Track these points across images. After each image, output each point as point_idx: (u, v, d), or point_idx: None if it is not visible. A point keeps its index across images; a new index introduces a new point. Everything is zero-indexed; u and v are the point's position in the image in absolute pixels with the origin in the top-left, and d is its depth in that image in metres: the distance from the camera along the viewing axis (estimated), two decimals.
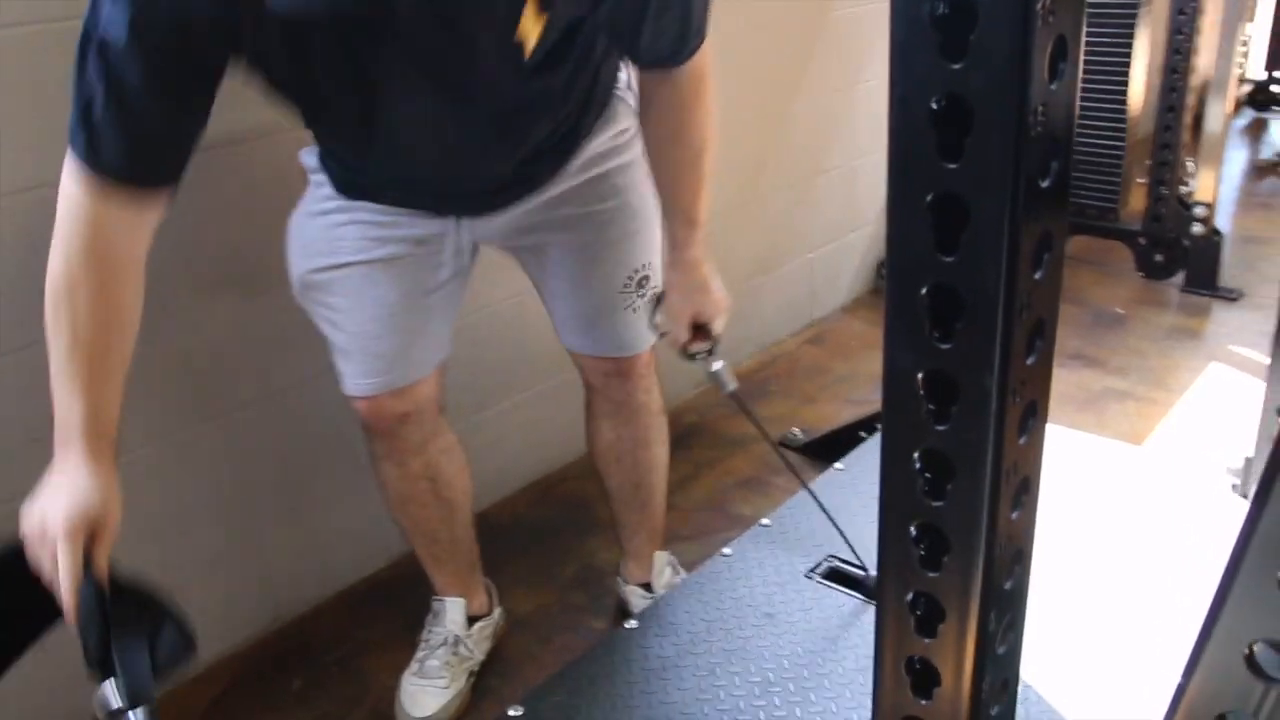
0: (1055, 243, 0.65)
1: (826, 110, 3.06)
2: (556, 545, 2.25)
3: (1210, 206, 3.30)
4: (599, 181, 1.61)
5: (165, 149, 1.19)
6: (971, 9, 0.58)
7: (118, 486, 1.20)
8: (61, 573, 1.11)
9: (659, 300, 1.67)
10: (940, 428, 0.68)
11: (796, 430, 2.62)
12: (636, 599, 1.99)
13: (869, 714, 0.85)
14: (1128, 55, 3.33)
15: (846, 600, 1.67)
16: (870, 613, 1.64)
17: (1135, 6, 3.29)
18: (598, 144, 1.59)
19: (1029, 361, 0.66)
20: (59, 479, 1.16)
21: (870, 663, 0.84)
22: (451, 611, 1.87)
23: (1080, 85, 0.66)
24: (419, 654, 1.87)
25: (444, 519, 1.81)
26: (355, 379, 1.61)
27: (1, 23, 1.50)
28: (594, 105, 1.56)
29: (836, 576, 1.73)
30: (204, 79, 1.18)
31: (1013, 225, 0.60)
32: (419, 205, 1.53)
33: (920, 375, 0.67)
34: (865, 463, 2.06)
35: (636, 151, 1.60)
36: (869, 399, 2.79)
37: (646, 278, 1.68)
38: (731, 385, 1.67)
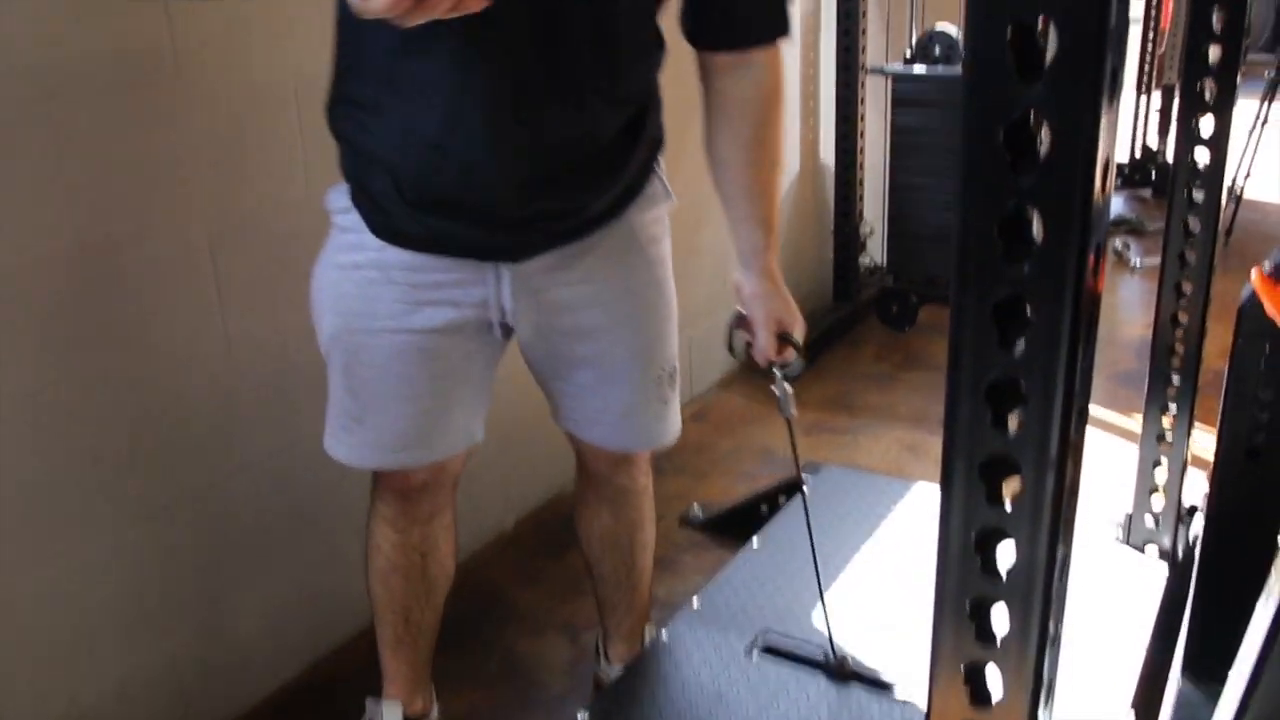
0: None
1: (695, 196, 3.15)
2: (477, 638, 2.22)
3: None
4: (645, 265, 1.57)
5: None
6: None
7: None
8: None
9: (739, 321, 1.67)
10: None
11: (696, 506, 2.67)
12: None
13: None
14: None
15: (790, 673, 1.71)
16: (821, 681, 1.68)
17: None
18: (644, 220, 1.55)
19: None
20: None
21: None
22: (388, 716, 1.81)
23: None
24: None
25: (423, 598, 1.74)
26: (362, 450, 1.55)
27: None
28: (642, 141, 1.46)
29: (776, 651, 1.77)
30: None
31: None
32: (456, 238, 1.40)
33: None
34: (779, 538, 2.12)
35: (669, 245, 1.62)
36: (758, 473, 2.87)
37: (675, 372, 1.68)
38: (792, 410, 1.66)
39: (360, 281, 1.45)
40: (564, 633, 2.22)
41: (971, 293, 0.69)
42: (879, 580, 1.96)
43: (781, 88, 1.48)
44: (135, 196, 1.70)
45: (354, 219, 1.43)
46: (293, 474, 2.03)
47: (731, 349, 1.70)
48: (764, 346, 1.63)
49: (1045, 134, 0.66)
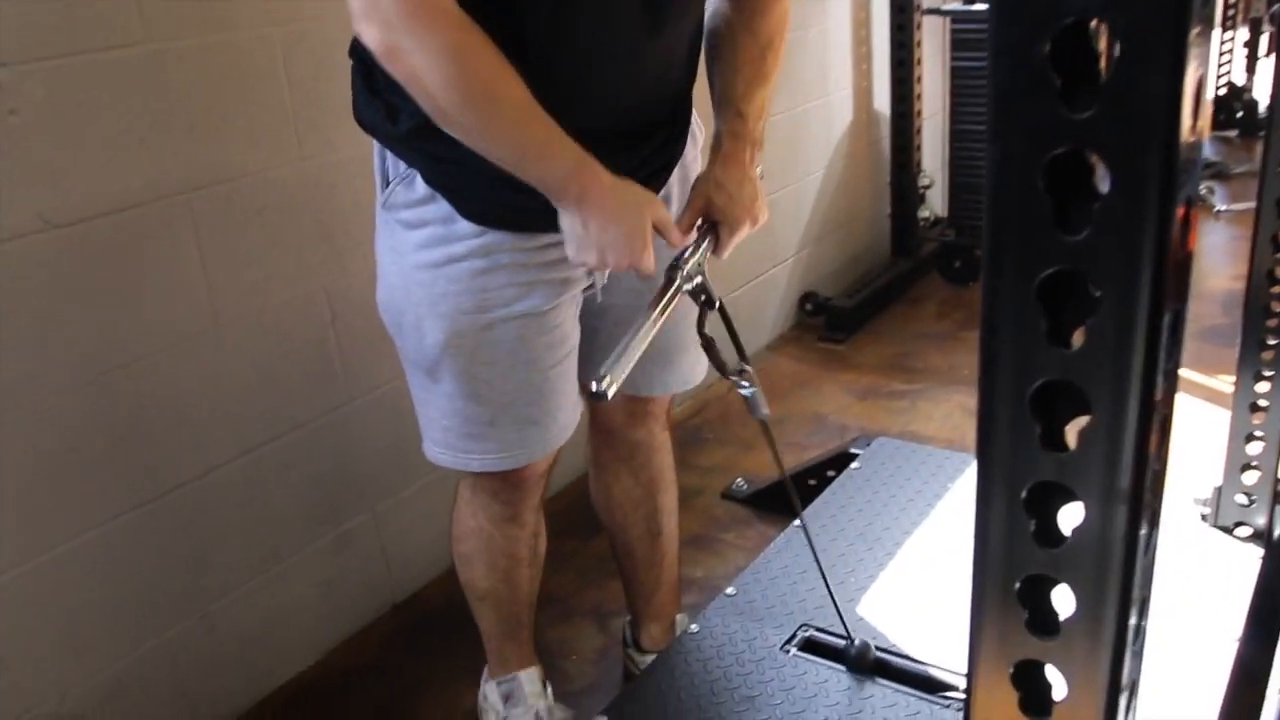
0: None
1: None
2: None
3: None
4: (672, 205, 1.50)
5: None
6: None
7: None
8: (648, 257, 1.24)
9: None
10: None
11: (741, 480, 2.50)
12: None
13: None
14: None
15: (829, 674, 1.54)
16: (855, 686, 1.52)
17: None
18: (694, 155, 1.49)
19: None
20: (600, 218, 1.20)
21: None
22: (528, 685, 1.72)
23: None
24: None
25: (535, 577, 1.69)
26: (498, 454, 1.44)
27: None
28: (693, 61, 1.41)
29: (815, 648, 1.60)
30: None
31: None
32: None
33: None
34: (825, 517, 1.94)
35: None
36: (808, 442, 2.69)
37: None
38: (764, 410, 1.46)
39: (463, 274, 1.31)
40: (592, 618, 2.08)
41: (1009, 269, 0.51)
42: (934, 567, 1.77)
43: None
44: (113, 167, 1.56)
45: (436, 209, 1.30)
46: (294, 460, 1.90)
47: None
48: (683, 225, 1.35)
49: (1108, 47, 0.48)
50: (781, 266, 3.30)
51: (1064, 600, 0.56)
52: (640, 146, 1.37)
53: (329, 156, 1.84)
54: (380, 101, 1.27)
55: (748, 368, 1.43)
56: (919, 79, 3.54)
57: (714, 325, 1.39)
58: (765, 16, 1.40)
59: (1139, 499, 0.54)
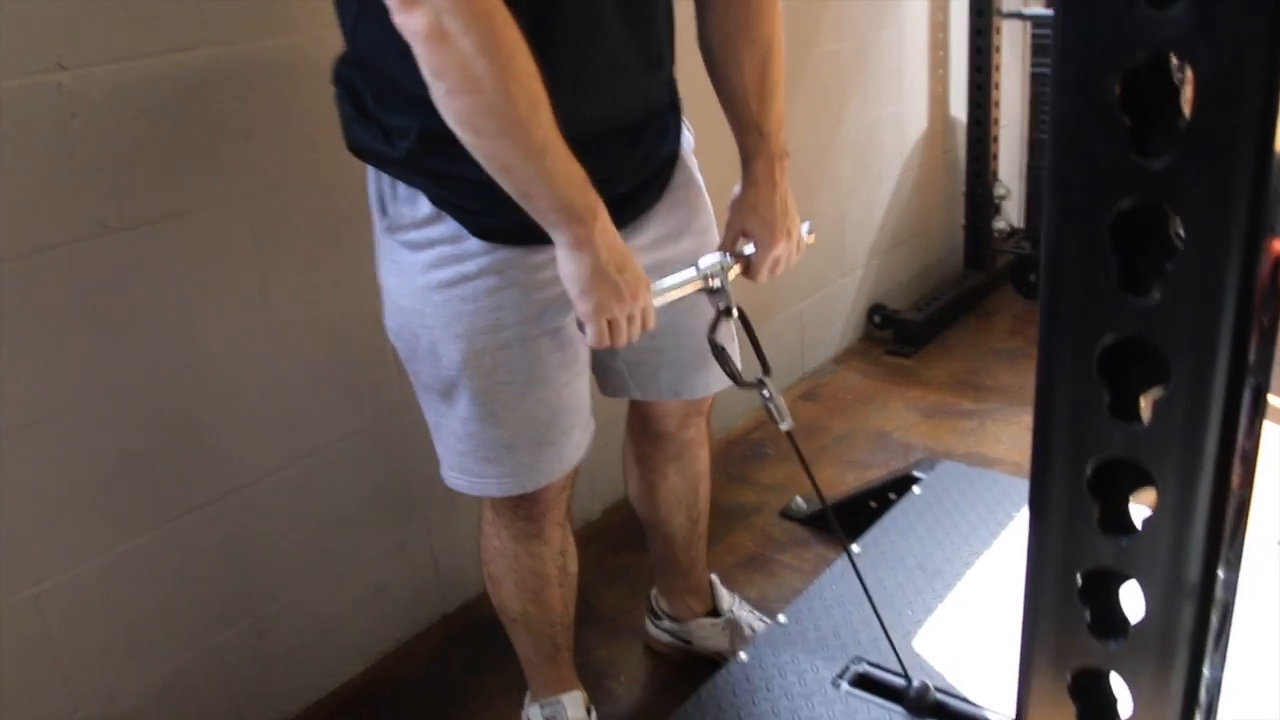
0: None
1: (810, 152, 2.91)
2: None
3: None
4: (701, 195, 1.50)
5: None
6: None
7: None
8: (646, 318, 1.24)
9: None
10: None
11: (800, 499, 2.44)
12: (709, 631, 1.91)
13: None
14: None
15: (883, 713, 1.49)
16: None
17: None
18: (688, 154, 1.47)
19: None
20: (608, 255, 1.17)
21: None
22: (572, 710, 1.69)
23: None
24: None
25: (570, 595, 1.66)
26: (515, 477, 1.42)
27: None
28: (670, 43, 1.38)
29: (869, 684, 1.55)
30: None
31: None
32: None
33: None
34: (883, 545, 1.88)
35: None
36: (871, 461, 2.63)
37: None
38: (788, 421, 1.43)
39: (476, 293, 1.29)
40: (641, 638, 2.03)
41: (1068, 334, 0.47)
42: (997, 602, 1.71)
43: None
44: (171, 171, 1.56)
45: (445, 228, 1.28)
46: (348, 465, 1.90)
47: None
48: (723, 247, 1.43)
49: (1188, 83, 0.44)
50: (850, 277, 3.23)
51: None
52: (633, 148, 1.34)
53: None
54: (374, 125, 1.25)
55: (766, 379, 1.41)
56: (997, 85, 3.44)
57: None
58: (760, 22, 1.36)
59: (1208, 592, 0.49)
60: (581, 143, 1.16)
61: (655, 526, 1.82)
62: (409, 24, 1.06)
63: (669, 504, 1.79)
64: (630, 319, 1.22)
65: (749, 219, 1.40)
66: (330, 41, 1.70)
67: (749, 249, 1.42)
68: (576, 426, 1.45)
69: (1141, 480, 0.50)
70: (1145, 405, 0.50)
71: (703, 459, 1.80)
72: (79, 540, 1.57)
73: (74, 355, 1.51)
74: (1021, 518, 1.92)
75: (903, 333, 3.27)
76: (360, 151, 1.31)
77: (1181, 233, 0.44)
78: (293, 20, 1.67)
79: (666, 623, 1.96)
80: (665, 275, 1.33)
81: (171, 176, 1.57)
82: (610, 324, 1.21)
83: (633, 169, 1.34)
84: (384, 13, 1.07)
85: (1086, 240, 0.47)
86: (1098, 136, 0.46)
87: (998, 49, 3.39)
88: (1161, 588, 0.48)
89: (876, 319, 3.32)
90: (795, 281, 3.00)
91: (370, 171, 1.32)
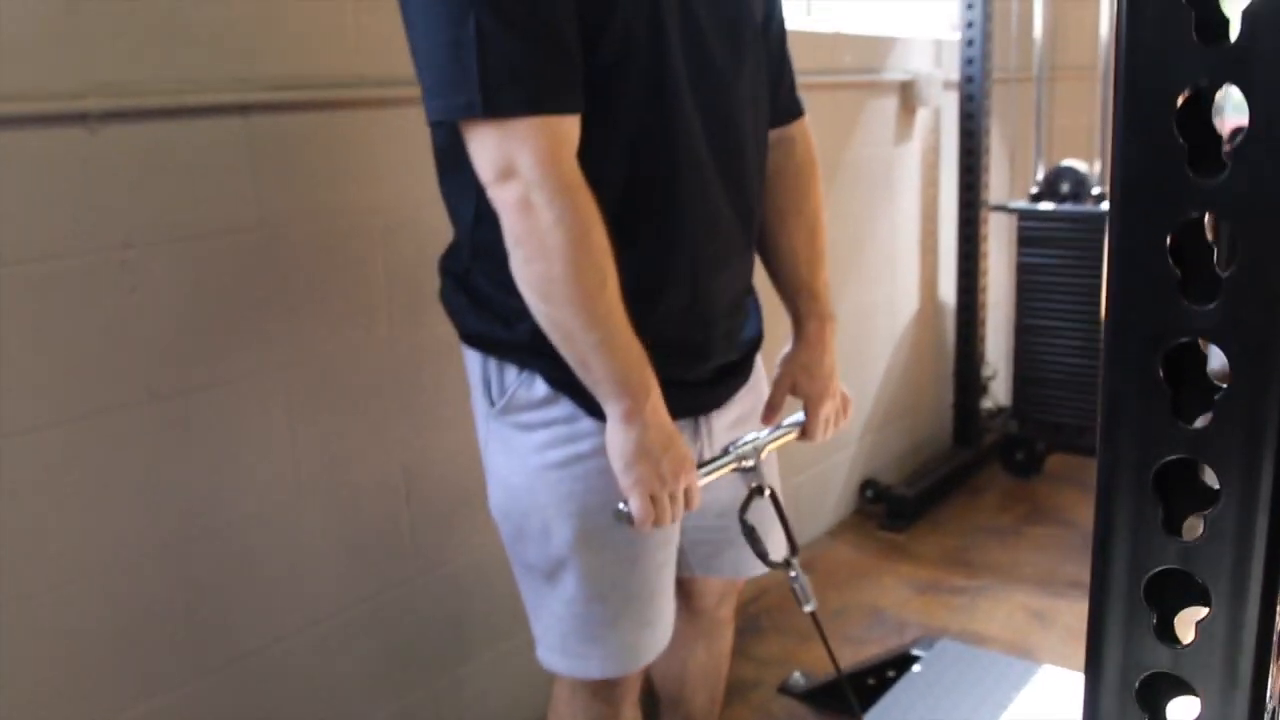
0: None
1: None
2: None
3: None
4: (763, 389, 1.56)
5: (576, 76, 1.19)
6: None
7: None
8: (690, 498, 1.29)
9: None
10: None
11: (798, 674, 2.46)
12: None
13: None
14: (1099, 275, 3.38)
15: None
16: None
17: (1102, 223, 3.35)
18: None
19: None
20: (656, 434, 1.24)
21: None
22: None
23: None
24: None
25: None
26: (617, 657, 1.43)
27: None
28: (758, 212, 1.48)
29: None
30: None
31: None
32: (681, 397, 1.34)
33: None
34: None
35: None
36: (866, 637, 2.65)
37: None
38: (811, 603, 1.46)
39: (589, 472, 1.34)
40: None
41: (1125, 458, 0.53)
42: None
43: (814, 156, 1.55)
44: (217, 343, 1.65)
45: (560, 409, 1.34)
46: (359, 633, 1.92)
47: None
48: (774, 403, 1.53)
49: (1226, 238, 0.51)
50: (844, 452, 3.31)
51: None
52: (733, 329, 1.43)
53: (417, 337, 1.92)
54: (489, 312, 1.33)
55: (794, 559, 1.47)
56: (985, 272, 3.61)
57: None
58: (808, 197, 1.52)
59: (1260, 695, 0.54)
60: (691, 323, 1.28)
61: (676, 704, 1.83)
62: (501, 194, 1.17)
63: (694, 682, 1.80)
64: (673, 498, 1.27)
65: (801, 376, 1.50)
66: (377, 226, 1.83)
67: (791, 419, 1.51)
68: (669, 608, 1.48)
69: (1193, 594, 0.55)
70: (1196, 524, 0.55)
71: (729, 638, 1.82)
72: (99, 699, 1.58)
73: (111, 518, 1.56)
74: (1020, 698, 1.96)
75: (895, 508, 3.33)
76: (474, 338, 1.38)
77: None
78: (343, 205, 1.79)
79: None
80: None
81: (218, 348, 1.65)
82: (654, 501, 1.26)
83: (735, 348, 1.44)
84: None
85: (1140, 374, 0.51)
86: (1149, 290, 0.52)
87: (985, 238, 3.58)
88: (1215, 690, 0.53)
89: (869, 493, 3.39)
90: (792, 457, 3.07)
91: (475, 359, 1.39)
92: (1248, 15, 0.48)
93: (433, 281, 1.88)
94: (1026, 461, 3.61)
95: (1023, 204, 3.50)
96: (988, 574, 3.00)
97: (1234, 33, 0.48)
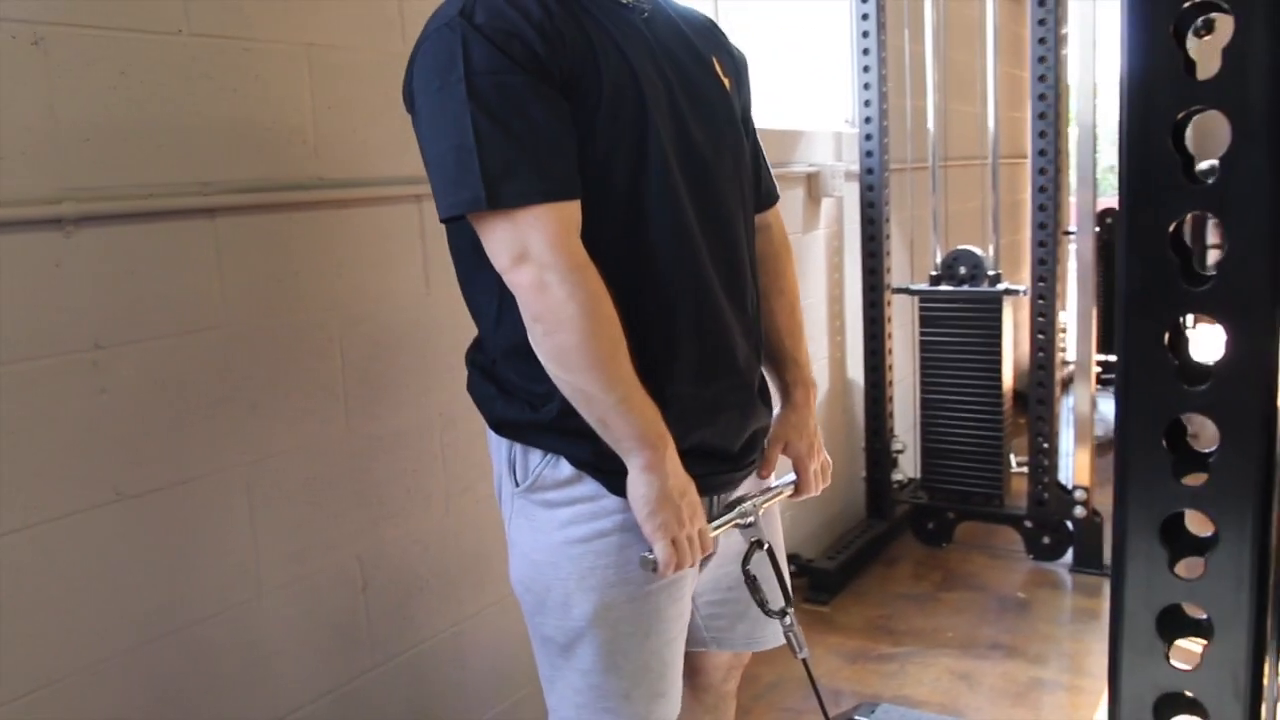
0: None
1: None
2: None
3: (1088, 489, 3.49)
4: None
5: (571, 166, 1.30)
6: None
7: None
8: (705, 541, 1.36)
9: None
10: None
11: None
12: None
13: None
14: (997, 351, 3.59)
15: None
16: None
17: (997, 303, 3.57)
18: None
19: None
20: (674, 481, 1.32)
21: None
22: None
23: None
24: None
25: None
26: None
27: None
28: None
29: None
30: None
31: None
32: (703, 472, 1.41)
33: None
34: None
35: None
36: (803, 707, 2.72)
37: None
38: (805, 651, 1.55)
39: (611, 548, 1.40)
40: None
41: (1136, 510, 0.63)
42: None
43: (787, 239, 1.69)
44: (181, 441, 1.66)
45: (584, 488, 1.40)
46: None
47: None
48: (769, 465, 1.62)
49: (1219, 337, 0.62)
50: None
51: None
52: (746, 417, 1.51)
53: (372, 429, 1.95)
54: (518, 399, 1.41)
55: (789, 609, 1.55)
56: (890, 351, 3.79)
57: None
58: (785, 277, 1.66)
59: (1256, 705, 0.63)
60: (711, 411, 1.40)
61: None
62: (517, 278, 1.26)
63: None
64: (690, 541, 1.34)
65: (791, 436, 1.60)
66: (335, 322, 1.87)
67: (783, 480, 1.61)
68: (678, 681, 1.52)
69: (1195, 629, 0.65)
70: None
71: (733, 713, 1.85)
72: None
73: (78, 623, 1.55)
74: None
75: (818, 580, 3.43)
76: (504, 425, 1.44)
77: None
78: (302, 303, 1.83)
79: None
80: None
81: (182, 445, 1.67)
82: (674, 544, 1.33)
83: (748, 431, 1.51)
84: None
85: (1146, 442, 0.63)
86: (1149, 375, 0.64)
87: (889, 319, 3.76)
88: (1217, 706, 0.62)
89: (792, 567, 3.48)
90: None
91: (501, 445, 1.45)
92: (1226, 53, 0.62)
93: (387, 372, 1.94)
94: (937, 530, 3.76)
95: (923, 286, 3.70)
96: (911, 640, 3.11)
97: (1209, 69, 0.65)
